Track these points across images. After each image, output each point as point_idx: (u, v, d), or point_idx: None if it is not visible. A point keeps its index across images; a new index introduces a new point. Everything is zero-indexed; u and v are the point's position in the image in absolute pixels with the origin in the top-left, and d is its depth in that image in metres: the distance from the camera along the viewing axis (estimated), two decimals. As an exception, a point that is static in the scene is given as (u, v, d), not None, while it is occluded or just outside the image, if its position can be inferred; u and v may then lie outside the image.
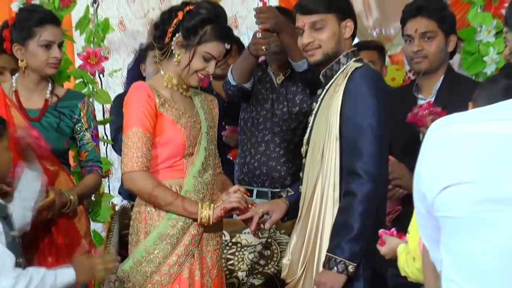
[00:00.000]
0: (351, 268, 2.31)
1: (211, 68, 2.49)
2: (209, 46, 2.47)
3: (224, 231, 2.85)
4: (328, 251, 2.35)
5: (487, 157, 1.05)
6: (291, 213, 2.64)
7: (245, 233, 3.10)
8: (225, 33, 2.50)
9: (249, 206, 2.52)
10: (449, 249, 1.12)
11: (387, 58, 4.70)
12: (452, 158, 1.09)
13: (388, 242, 2.01)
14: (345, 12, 2.51)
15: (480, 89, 1.85)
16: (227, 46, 2.51)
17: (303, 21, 2.49)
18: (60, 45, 2.75)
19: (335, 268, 2.31)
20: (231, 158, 3.66)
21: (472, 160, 1.07)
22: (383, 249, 2.03)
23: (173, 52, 2.50)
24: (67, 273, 2.17)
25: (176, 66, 2.50)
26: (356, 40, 3.00)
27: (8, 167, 2.32)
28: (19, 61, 2.73)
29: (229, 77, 3.32)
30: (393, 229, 2.04)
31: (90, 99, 3.12)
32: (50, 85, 2.82)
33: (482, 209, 1.05)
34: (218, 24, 2.48)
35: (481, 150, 1.06)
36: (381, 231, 2.05)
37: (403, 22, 2.93)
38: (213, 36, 2.46)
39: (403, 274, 1.89)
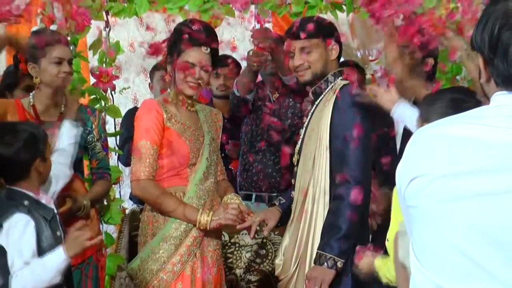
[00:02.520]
0: (339, 264, 2.32)
1: (196, 74, 2.48)
2: (186, 54, 2.48)
3: (223, 232, 2.85)
4: (318, 248, 2.37)
5: (447, 155, 1.08)
6: (284, 219, 2.64)
7: (242, 234, 3.11)
8: (198, 39, 2.48)
9: (246, 216, 2.52)
10: (412, 236, 1.14)
11: (370, 77, 4.72)
12: (419, 155, 1.12)
13: (365, 257, 2.02)
14: (331, 36, 2.53)
15: (428, 107, 1.86)
16: (205, 50, 2.49)
17: (293, 45, 2.52)
18: (69, 62, 2.76)
19: (325, 263, 2.33)
20: (232, 168, 3.68)
21: (434, 156, 1.09)
22: (360, 264, 2.04)
23: (168, 70, 2.53)
24: (54, 254, 2.09)
25: (169, 81, 2.53)
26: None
27: (49, 172, 2.30)
28: (33, 78, 2.74)
29: (234, 89, 3.38)
30: (369, 244, 2.05)
31: (103, 114, 3.13)
32: (64, 100, 2.82)
33: (436, 200, 1.07)
34: (193, 33, 2.48)
35: (442, 148, 1.09)
36: (358, 247, 2.06)
37: None
38: (188, 45, 2.47)
39: (385, 281, 1.89)
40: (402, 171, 1.15)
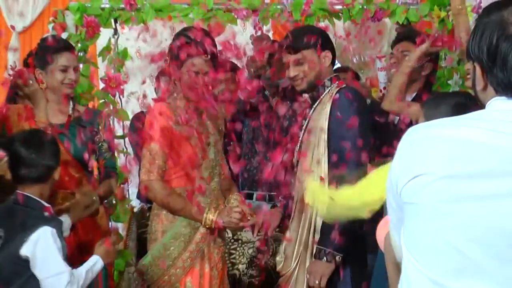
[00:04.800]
0: (338, 258, 2.34)
1: (199, 80, 2.49)
2: (189, 64, 2.49)
3: (227, 230, 2.85)
4: (318, 244, 2.38)
5: (451, 156, 1.07)
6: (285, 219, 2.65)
7: (245, 231, 3.11)
8: (198, 48, 2.48)
9: (249, 218, 2.52)
10: (406, 232, 1.14)
11: (366, 81, 4.73)
12: (421, 153, 1.11)
13: None
14: (322, 45, 2.54)
15: (433, 110, 1.85)
16: (205, 57, 2.49)
17: (288, 58, 2.52)
18: (75, 69, 2.76)
19: (325, 258, 2.35)
20: (234, 168, 3.68)
21: (437, 156, 1.08)
22: None
23: (172, 77, 2.53)
24: (97, 263, 2.26)
25: (174, 87, 2.52)
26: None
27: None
28: (40, 84, 2.73)
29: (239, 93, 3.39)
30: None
31: (111, 117, 3.13)
32: (71, 103, 2.82)
33: (438, 199, 1.07)
34: (191, 43, 2.48)
35: (446, 149, 1.08)
36: None
37: (392, 46, 2.99)
38: (188, 54, 2.48)
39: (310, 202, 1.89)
40: (400, 169, 1.14)
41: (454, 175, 1.06)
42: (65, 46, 2.78)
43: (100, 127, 2.86)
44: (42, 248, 2.10)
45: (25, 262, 2.10)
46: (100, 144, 2.87)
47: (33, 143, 2.24)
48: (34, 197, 2.20)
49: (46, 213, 2.18)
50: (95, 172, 3.07)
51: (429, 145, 1.11)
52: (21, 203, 2.19)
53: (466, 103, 1.79)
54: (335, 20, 3.32)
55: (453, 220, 1.06)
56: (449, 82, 3.19)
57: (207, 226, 2.46)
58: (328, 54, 2.54)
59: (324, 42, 2.56)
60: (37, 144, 2.24)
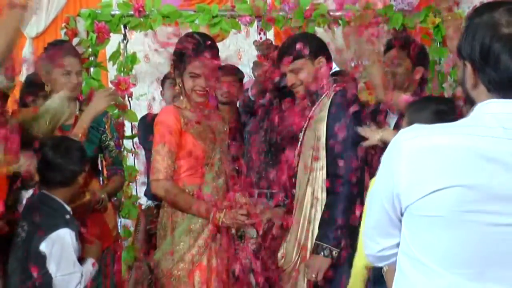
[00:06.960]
0: (335, 253, 2.36)
1: (201, 83, 2.51)
2: (191, 66, 2.50)
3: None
4: (316, 239, 2.41)
5: (466, 167, 1.08)
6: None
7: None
8: (200, 51, 2.49)
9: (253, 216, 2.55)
10: (424, 242, 1.14)
11: (363, 85, 4.73)
12: (434, 166, 1.10)
13: None
14: (316, 51, 2.55)
15: (415, 114, 1.85)
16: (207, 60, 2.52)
17: (284, 68, 2.54)
18: (78, 73, 2.77)
19: (322, 253, 2.36)
20: (237, 167, 3.69)
21: (453, 169, 1.09)
22: None
23: (177, 82, 2.55)
24: (95, 265, 2.35)
25: (179, 91, 2.54)
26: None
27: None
28: (45, 86, 2.76)
29: (249, 93, 3.41)
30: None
31: (121, 118, 3.15)
32: (78, 104, 2.84)
33: (462, 211, 1.08)
34: (194, 47, 2.49)
35: (459, 161, 1.09)
36: None
37: (385, 52, 2.98)
38: (191, 58, 2.49)
39: None
40: (410, 181, 1.13)
41: (474, 186, 1.07)
42: (69, 51, 2.80)
43: (106, 126, 2.89)
44: (60, 247, 2.16)
45: (43, 258, 2.16)
46: (106, 143, 2.90)
47: (61, 148, 2.30)
48: (58, 199, 2.26)
49: (68, 216, 2.24)
50: (106, 172, 3.09)
51: (441, 157, 1.10)
52: (45, 203, 2.25)
53: (446, 110, 1.80)
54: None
55: (474, 229, 1.07)
56: (443, 85, 3.21)
57: (215, 222, 2.48)
58: (322, 60, 2.55)
59: (317, 48, 2.56)
60: (64, 150, 2.30)
